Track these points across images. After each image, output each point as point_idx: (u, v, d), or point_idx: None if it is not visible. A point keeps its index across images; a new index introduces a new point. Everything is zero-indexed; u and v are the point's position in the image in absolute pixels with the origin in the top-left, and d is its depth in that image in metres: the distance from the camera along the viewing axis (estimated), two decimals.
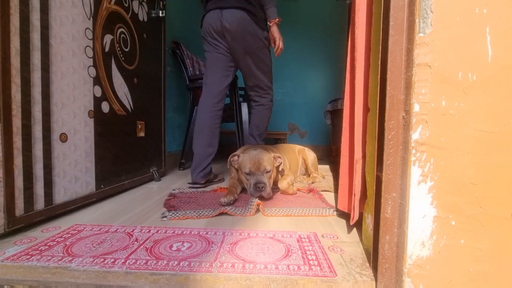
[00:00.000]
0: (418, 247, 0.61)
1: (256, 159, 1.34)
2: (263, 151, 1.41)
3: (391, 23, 0.62)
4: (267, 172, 1.33)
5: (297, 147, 2.00)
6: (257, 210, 1.16)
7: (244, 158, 1.38)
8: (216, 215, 1.09)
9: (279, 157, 1.46)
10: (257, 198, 1.21)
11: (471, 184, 0.59)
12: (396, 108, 0.63)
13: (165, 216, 1.06)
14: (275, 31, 1.66)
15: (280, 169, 1.48)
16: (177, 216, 1.07)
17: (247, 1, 1.57)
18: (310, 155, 1.94)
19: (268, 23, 1.67)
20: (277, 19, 1.63)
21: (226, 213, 1.12)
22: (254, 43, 1.61)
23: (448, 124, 0.59)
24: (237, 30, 1.54)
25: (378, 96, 0.69)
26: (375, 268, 0.68)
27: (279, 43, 1.67)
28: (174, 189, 1.54)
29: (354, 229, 0.97)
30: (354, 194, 0.86)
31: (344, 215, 1.12)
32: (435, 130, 0.59)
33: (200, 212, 1.12)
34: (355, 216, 0.87)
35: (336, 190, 1.54)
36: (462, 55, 0.58)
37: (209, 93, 1.63)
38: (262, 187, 1.26)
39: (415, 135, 0.60)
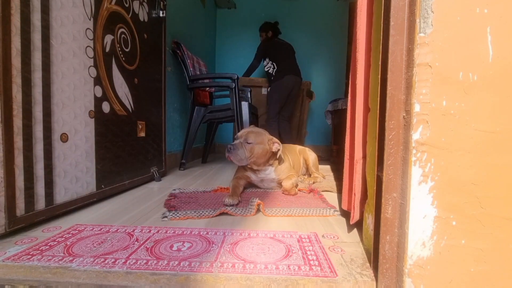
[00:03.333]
0: (418, 247, 0.61)
1: (246, 130, 1.49)
2: (262, 130, 1.52)
3: (391, 23, 0.62)
4: (248, 142, 1.42)
5: (298, 147, 2.00)
6: (258, 210, 1.16)
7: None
8: (216, 215, 1.09)
9: (277, 143, 1.49)
10: (258, 198, 1.21)
11: (472, 184, 0.59)
12: (397, 108, 0.62)
13: (166, 216, 1.06)
14: None
15: (278, 156, 1.53)
16: (178, 216, 1.07)
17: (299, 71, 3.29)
18: (311, 155, 1.94)
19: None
20: None
21: (226, 213, 1.12)
22: (300, 93, 3.44)
23: (449, 124, 0.59)
24: (299, 87, 3.31)
25: (379, 96, 0.69)
26: (375, 268, 0.67)
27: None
28: (174, 189, 1.54)
29: (355, 229, 0.97)
30: (355, 194, 0.86)
31: (345, 215, 1.12)
32: (436, 130, 0.59)
33: (201, 212, 1.12)
34: (355, 216, 0.87)
35: (338, 190, 1.54)
36: (463, 55, 0.58)
37: (274, 112, 3.23)
38: (230, 148, 1.39)
39: (415, 135, 0.60)
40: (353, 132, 0.90)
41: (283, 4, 4.13)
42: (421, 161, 0.60)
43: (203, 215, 1.09)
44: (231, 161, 1.42)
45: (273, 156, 1.52)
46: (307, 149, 2.00)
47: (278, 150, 1.49)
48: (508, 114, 0.58)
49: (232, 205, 1.22)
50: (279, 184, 1.56)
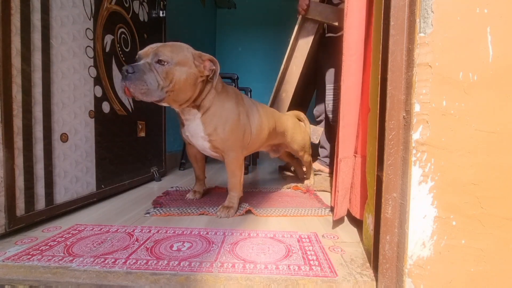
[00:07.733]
0: (418, 247, 0.61)
1: (156, 44, 0.90)
2: (183, 44, 0.95)
3: (391, 23, 0.62)
4: (160, 62, 0.85)
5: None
6: (247, 212, 1.14)
7: None
8: (198, 214, 1.11)
9: (211, 60, 0.96)
10: (248, 204, 1.18)
11: (472, 184, 0.59)
12: (397, 108, 0.62)
13: (148, 213, 1.09)
14: None
15: (214, 84, 0.98)
16: (160, 213, 1.09)
17: None
18: (302, 137, 1.57)
19: None
20: None
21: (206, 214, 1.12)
22: None
23: (449, 124, 0.59)
24: None
25: (379, 96, 0.69)
26: (375, 269, 0.67)
27: None
28: (172, 187, 1.54)
29: (355, 229, 0.97)
30: (338, 191, 0.90)
31: (346, 215, 1.12)
32: (436, 130, 0.59)
33: (184, 209, 1.14)
34: (338, 212, 0.90)
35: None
36: (463, 55, 0.58)
37: None
38: (127, 71, 0.81)
39: (415, 135, 0.60)
40: (338, 131, 0.93)
41: (283, 4, 4.13)
42: (421, 161, 0.60)
43: (185, 212, 1.11)
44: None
45: (208, 86, 0.97)
46: (302, 124, 1.51)
47: (214, 72, 0.96)
48: (508, 114, 0.58)
49: (192, 199, 1.27)
50: (215, 148, 1.02)
